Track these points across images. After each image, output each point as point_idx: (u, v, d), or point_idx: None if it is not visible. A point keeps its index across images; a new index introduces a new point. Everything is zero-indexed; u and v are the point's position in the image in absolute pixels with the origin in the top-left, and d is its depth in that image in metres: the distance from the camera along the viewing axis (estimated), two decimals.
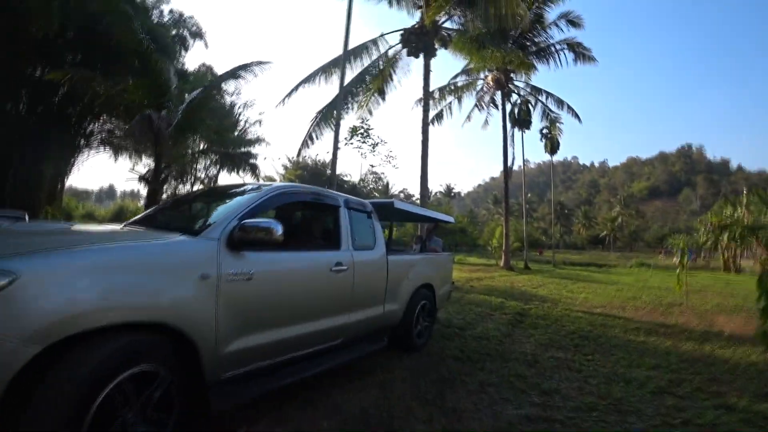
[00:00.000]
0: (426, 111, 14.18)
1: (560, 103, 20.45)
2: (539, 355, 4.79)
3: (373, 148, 10.92)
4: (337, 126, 10.59)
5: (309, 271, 3.17)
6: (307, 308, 3.11)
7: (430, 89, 21.21)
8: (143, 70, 8.51)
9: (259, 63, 9.80)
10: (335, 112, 10.86)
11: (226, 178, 26.53)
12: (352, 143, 11.62)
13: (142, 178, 14.12)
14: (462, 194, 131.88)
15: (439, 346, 4.98)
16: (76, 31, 9.59)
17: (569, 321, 7.10)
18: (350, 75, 14.83)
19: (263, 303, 2.74)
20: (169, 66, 9.68)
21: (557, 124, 22.59)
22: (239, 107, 28.18)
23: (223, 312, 2.38)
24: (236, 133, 28.86)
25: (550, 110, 21.23)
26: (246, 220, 2.64)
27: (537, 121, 22.82)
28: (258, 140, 30.67)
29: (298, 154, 13.68)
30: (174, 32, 21.31)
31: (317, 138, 13.56)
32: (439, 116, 22.09)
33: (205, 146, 17.65)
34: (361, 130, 11.23)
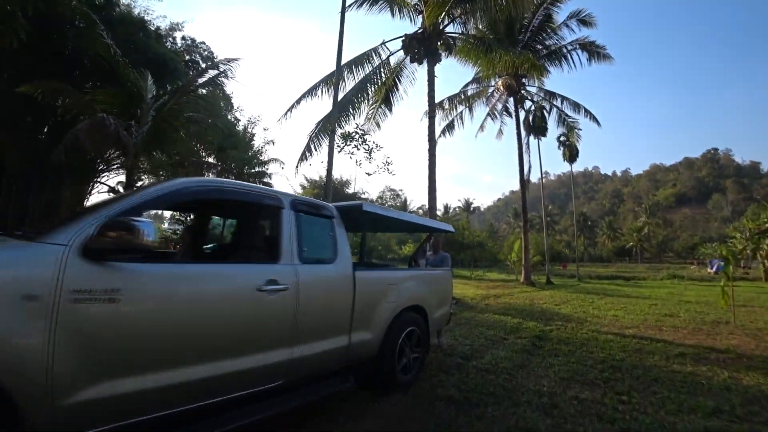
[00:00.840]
0: (432, 119, 13.35)
1: (577, 107, 19.37)
2: (559, 395, 3.75)
3: (369, 154, 10.07)
4: (332, 138, 9.90)
5: (220, 291, 2.29)
6: (219, 340, 2.23)
7: (440, 99, 20.72)
8: (113, 80, 8.10)
9: (229, 61, 9.19)
10: (332, 123, 10.15)
11: None
12: (345, 149, 10.77)
13: (111, 190, 13.51)
14: (482, 208, 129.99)
15: (432, 383, 3.98)
16: (43, 40, 9.35)
17: (597, 345, 5.98)
18: (351, 85, 14.26)
19: (142, 332, 1.92)
20: (146, 76, 9.14)
21: (575, 130, 21.43)
22: (245, 124, 28.10)
23: (65, 346, 1.65)
24: (249, 153, 29.08)
25: (567, 115, 20.16)
26: (111, 220, 1.83)
27: (553, 129, 21.77)
28: (270, 160, 31.04)
29: (297, 168, 12.97)
30: (187, 57, 22.01)
31: (316, 150, 12.87)
32: (450, 127, 21.26)
33: (205, 161, 17.10)
34: (356, 136, 10.38)
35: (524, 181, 19.53)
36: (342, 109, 12.87)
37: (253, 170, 34.78)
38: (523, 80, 19.51)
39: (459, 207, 77.12)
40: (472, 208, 79.84)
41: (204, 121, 10.17)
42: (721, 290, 8.55)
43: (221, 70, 9.20)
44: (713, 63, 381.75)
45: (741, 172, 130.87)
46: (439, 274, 4.86)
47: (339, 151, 9.87)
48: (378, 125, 16.46)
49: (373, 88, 14.46)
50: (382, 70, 14.50)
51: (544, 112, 20.52)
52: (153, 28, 23.61)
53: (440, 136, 21.27)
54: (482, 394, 3.70)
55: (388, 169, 10.01)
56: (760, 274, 25.69)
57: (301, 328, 2.68)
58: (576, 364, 4.85)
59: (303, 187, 61.57)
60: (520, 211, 20.11)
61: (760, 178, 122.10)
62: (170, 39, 22.55)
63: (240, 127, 25.86)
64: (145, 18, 22.49)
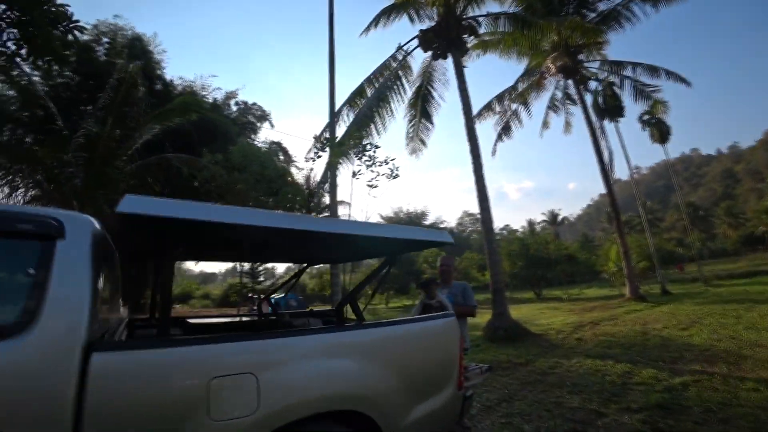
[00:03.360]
0: (468, 115, 11.04)
1: (653, 71, 15.68)
2: None
3: (371, 162, 8.06)
4: (331, 144, 8.11)
5: None
6: None
7: (488, 100, 18.28)
8: None
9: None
10: (333, 137, 8.37)
11: None
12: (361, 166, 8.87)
13: None
14: (571, 218, 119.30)
15: None
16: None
17: None
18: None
19: None
20: None
21: (660, 104, 17.49)
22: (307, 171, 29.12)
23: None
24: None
25: (643, 84, 16.49)
26: None
27: (632, 109, 18.10)
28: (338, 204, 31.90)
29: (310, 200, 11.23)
30: (244, 120, 24.69)
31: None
32: (506, 129, 18.63)
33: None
34: (369, 149, 8.47)
35: (607, 172, 15.99)
36: (361, 126, 11.07)
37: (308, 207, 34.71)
38: (579, 57, 16.45)
39: (545, 221, 71.02)
40: (559, 220, 73.16)
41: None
42: None
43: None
44: None
45: None
46: (421, 327, 2.51)
47: (358, 174, 8.06)
48: (423, 142, 14.61)
49: (397, 99, 12.56)
50: (403, 79, 12.63)
51: (614, 89, 17.10)
52: (210, 100, 26.30)
53: (497, 140, 18.73)
54: None
55: (392, 172, 7.91)
56: None
57: None
58: None
59: None
60: (614, 214, 16.50)
61: None
62: (226, 106, 25.48)
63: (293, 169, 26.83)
64: (202, 93, 24.96)
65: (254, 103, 27.03)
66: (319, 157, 7.83)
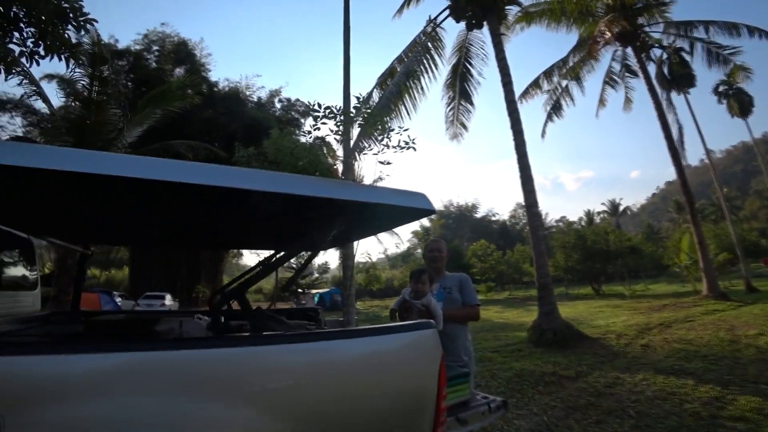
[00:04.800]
0: (507, 86, 9.71)
1: (733, 29, 13.27)
2: None
3: (384, 134, 6.93)
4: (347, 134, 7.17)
5: None
6: None
7: (535, 76, 16.55)
8: None
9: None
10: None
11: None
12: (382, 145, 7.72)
13: None
14: (634, 209, 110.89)
15: None
16: None
17: None
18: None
19: None
20: None
21: (741, 69, 14.92)
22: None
23: None
24: None
25: (719, 47, 14.08)
26: None
27: (705, 77, 15.70)
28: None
29: None
30: (288, 116, 26.10)
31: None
32: (556, 108, 16.80)
33: None
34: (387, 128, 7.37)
35: (676, 150, 13.86)
36: (388, 105, 10.01)
37: None
38: (639, 21, 14.39)
39: (605, 212, 66.21)
40: (621, 210, 67.97)
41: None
42: None
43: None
44: None
45: None
46: (369, 351, 1.47)
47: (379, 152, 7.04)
48: (464, 126, 13.44)
49: (428, 76, 11.35)
50: (433, 51, 11.37)
51: (682, 55, 14.86)
52: (255, 99, 27.25)
53: (546, 121, 16.99)
54: None
55: (407, 144, 6.78)
56: None
57: None
58: None
59: (429, 220, 59.21)
60: (683, 201, 14.31)
61: None
62: (270, 104, 27.10)
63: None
64: (246, 92, 25.82)
65: (297, 100, 27.75)
66: (324, 124, 6.85)
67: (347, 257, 7.63)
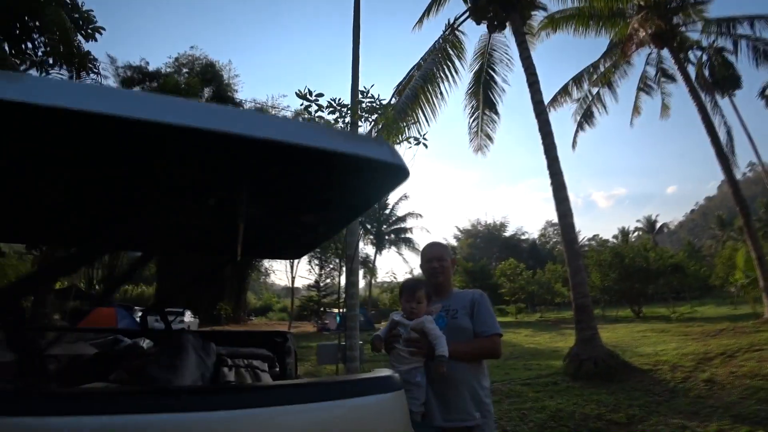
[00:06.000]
0: (533, 86, 8.93)
1: None
2: None
3: (400, 137, 6.29)
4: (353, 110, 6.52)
5: None
6: None
7: (565, 82, 15.67)
8: None
9: None
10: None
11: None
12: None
13: None
14: (671, 226, 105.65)
15: None
16: None
17: None
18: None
19: None
20: None
21: None
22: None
23: None
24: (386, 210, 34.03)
25: (766, 43, 12.83)
26: None
27: (751, 77, 14.39)
28: (407, 215, 34.87)
29: None
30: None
31: None
32: (588, 115, 15.84)
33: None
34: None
35: (726, 156, 12.55)
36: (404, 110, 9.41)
37: (390, 228, 34.02)
38: (675, 20, 13.38)
39: (640, 229, 63.06)
40: (658, 228, 64.62)
41: None
42: None
43: None
44: None
45: None
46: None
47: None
48: (489, 137, 12.73)
49: (448, 80, 10.69)
50: (450, 50, 10.68)
51: (725, 55, 13.69)
52: (281, 118, 28.46)
53: (577, 130, 16.01)
54: None
55: (417, 140, 6.15)
56: None
57: None
58: None
59: (457, 239, 57.55)
60: (726, 219, 12.96)
61: None
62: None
63: None
64: (272, 111, 27.12)
65: (320, 118, 28.09)
66: (319, 117, 6.26)
67: (351, 272, 6.90)
